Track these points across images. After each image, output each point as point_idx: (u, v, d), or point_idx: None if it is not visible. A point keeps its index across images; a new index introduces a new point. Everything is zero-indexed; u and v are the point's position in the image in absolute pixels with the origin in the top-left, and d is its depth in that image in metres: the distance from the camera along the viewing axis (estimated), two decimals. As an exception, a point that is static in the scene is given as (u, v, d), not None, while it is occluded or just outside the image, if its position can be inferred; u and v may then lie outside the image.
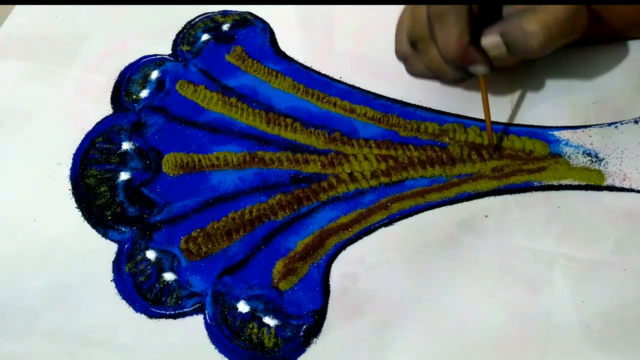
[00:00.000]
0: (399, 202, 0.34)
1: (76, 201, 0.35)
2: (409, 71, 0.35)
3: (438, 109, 0.38)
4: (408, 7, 0.32)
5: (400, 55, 0.34)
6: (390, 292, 0.31)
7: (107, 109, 0.40)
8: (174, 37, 0.44)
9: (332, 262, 0.32)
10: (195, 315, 0.31)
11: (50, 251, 0.33)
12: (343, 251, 0.33)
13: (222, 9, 0.45)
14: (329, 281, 0.32)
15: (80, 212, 0.35)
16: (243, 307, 0.31)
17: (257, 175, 0.36)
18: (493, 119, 0.37)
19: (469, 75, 0.32)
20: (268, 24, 0.44)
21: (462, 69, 0.31)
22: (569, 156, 0.35)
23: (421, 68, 0.33)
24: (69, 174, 0.37)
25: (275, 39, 0.43)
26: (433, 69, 0.32)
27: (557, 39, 0.29)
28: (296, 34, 0.43)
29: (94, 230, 0.34)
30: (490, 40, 0.30)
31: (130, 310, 0.31)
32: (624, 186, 0.33)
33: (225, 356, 0.30)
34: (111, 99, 0.40)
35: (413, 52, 0.32)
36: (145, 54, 0.42)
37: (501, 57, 0.31)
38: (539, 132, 0.36)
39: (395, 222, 0.33)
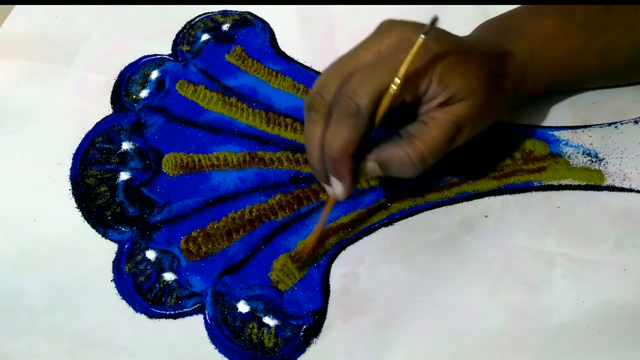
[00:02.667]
0: (399, 202, 0.34)
1: (76, 201, 0.35)
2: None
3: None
4: (335, 66, 0.29)
5: (304, 106, 0.30)
6: (390, 292, 0.31)
7: (107, 109, 0.40)
8: (174, 37, 0.44)
9: (332, 262, 0.32)
10: (195, 315, 0.31)
11: (50, 251, 0.33)
12: (343, 251, 0.33)
13: (222, 9, 0.45)
14: (329, 281, 0.32)
15: (80, 212, 0.35)
16: (243, 307, 0.31)
17: (257, 175, 0.36)
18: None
19: (327, 181, 0.29)
20: (268, 24, 0.44)
21: (324, 172, 0.29)
22: (569, 156, 0.35)
23: (305, 131, 0.30)
24: (69, 174, 0.37)
25: (275, 39, 0.43)
26: (308, 144, 0.29)
27: (434, 161, 0.28)
28: (296, 34, 0.43)
29: (94, 230, 0.34)
30: (369, 166, 0.28)
31: (130, 310, 0.31)
32: (624, 186, 0.33)
33: (225, 356, 0.30)
34: (111, 99, 0.40)
35: (307, 113, 0.29)
36: (145, 54, 0.42)
37: (377, 175, 0.29)
38: (539, 132, 0.36)
39: (395, 222, 0.33)
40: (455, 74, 0.27)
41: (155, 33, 0.44)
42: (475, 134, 0.30)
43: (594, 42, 0.33)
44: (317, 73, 0.40)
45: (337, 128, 0.27)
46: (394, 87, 0.26)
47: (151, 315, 0.31)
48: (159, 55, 0.42)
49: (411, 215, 0.34)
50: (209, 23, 0.44)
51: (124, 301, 0.32)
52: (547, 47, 0.32)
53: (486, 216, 0.33)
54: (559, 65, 0.33)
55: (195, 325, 0.31)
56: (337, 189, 0.29)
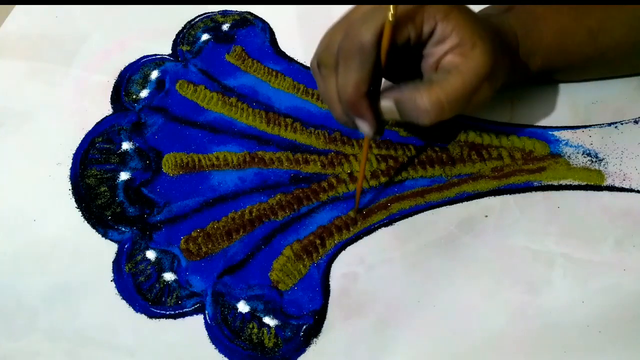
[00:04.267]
0: (399, 202, 0.34)
1: (76, 201, 0.35)
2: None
3: (438, 109, 0.38)
4: (335, 24, 0.30)
5: (312, 70, 0.32)
6: (390, 292, 0.31)
7: (107, 109, 0.40)
8: (174, 37, 0.44)
9: (332, 262, 0.32)
10: (195, 315, 0.31)
11: (50, 251, 0.33)
12: (343, 251, 0.33)
13: (222, 9, 0.45)
14: (329, 281, 0.32)
15: (80, 212, 0.35)
16: (243, 307, 0.31)
17: (257, 175, 0.36)
18: (494, 118, 0.37)
19: (356, 127, 0.30)
20: (268, 24, 0.44)
21: (351, 119, 0.29)
22: (569, 156, 0.35)
23: (321, 93, 0.31)
24: (69, 174, 0.37)
25: (275, 39, 0.43)
26: (326, 100, 0.30)
27: (450, 114, 0.28)
28: (296, 34, 0.43)
29: (94, 230, 0.34)
30: (385, 104, 0.29)
31: (130, 310, 0.31)
32: (624, 186, 0.33)
33: (225, 356, 0.30)
34: (111, 99, 0.40)
35: (319, 74, 0.31)
36: (145, 54, 0.42)
37: (395, 119, 0.29)
38: (539, 132, 0.36)
39: (395, 222, 0.33)
40: (459, 18, 0.28)
41: (155, 33, 0.44)
42: (490, 94, 0.29)
43: (584, 21, 0.33)
44: (317, 73, 0.40)
45: (345, 71, 0.27)
46: (390, 13, 0.25)
47: (151, 315, 0.31)
48: (159, 55, 0.42)
49: (411, 215, 0.34)
50: (209, 23, 0.44)
51: (124, 301, 0.32)
52: (538, 25, 0.33)
53: (486, 216, 0.33)
54: (551, 42, 0.33)
55: (195, 325, 0.31)
56: (365, 129, 0.29)
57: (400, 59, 0.29)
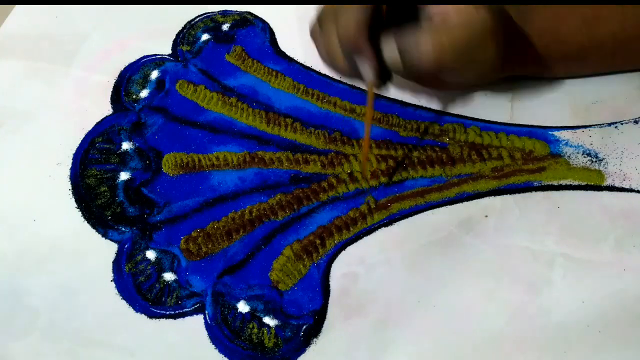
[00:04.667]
0: (399, 202, 0.34)
1: (76, 201, 0.35)
2: (319, 53, 0.33)
3: (438, 109, 0.38)
4: None
5: (311, 34, 0.33)
6: (390, 292, 0.31)
7: (107, 109, 0.40)
8: (174, 37, 0.44)
9: (332, 262, 0.32)
10: (195, 315, 0.31)
11: (50, 251, 0.33)
12: (343, 251, 0.33)
13: (222, 9, 0.45)
14: (329, 281, 0.32)
15: (80, 212, 0.35)
16: (243, 307, 0.31)
17: (257, 175, 0.36)
18: (494, 118, 0.37)
19: (359, 75, 0.30)
20: (268, 24, 0.44)
21: (353, 64, 0.29)
22: (569, 156, 0.35)
23: (322, 51, 0.32)
24: (69, 174, 0.37)
25: (275, 39, 0.43)
26: (329, 53, 0.30)
27: (451, 64, 0.28)
28: (296, 34, 0.43)
29: (94, 230, 0.34)
30: (386, 46, 0.29)
31: (130, 310, 0.31)
32: (624, 186, 0.33)
33: (225, 356, 0.30)
34: (111, 99, 0.40)
35: (319, 32, 0.31)
36: (145, 54, 0.42)
37: (396, 66, 0.29)
38: (539, 132, 0.36)
39: (395, 222, 0.33)
40: None
41: (155, 33, 0.44)
42: (490, 62, 0.30)
43: (579, 8, 0.33)
44: (317, 73, 0.40)
45: (344, 14, 0.28)
46: None
47: (151, 315, 0.31)
48: (159, 55, 0.42)
49: (411, 215, 0.34)
50: (209, 23, 0.44)
51: (124, 301, 0.32)
52: (533, 11, 0.33)
53: (486, 216, 0.33)
54: (545, 27, 0.33)
55: (195, 325, 0.31)
56: (367, 71, 0.29)
57: (401, 7, 0.29)
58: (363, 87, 0.33)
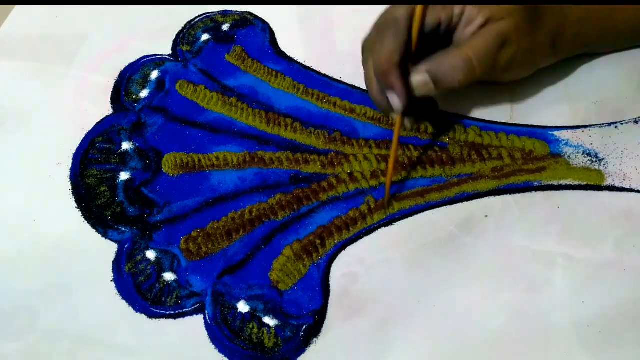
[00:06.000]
0: (399, 202, 0.34)
1: (76, 201, 0.35)
2: None
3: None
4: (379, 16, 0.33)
5: (362, 60, 0.34)
6: (390, 292, 0.31)
7: (107, 109, 0.40)
8: (174, 37, 0.44)
9: (332, 262, 0.32)
10: (195, 315, 0.31)
11: (50, 251, 0.33)
12: (343, 251, 0.33)
13: (222, 9, 0.45)
14: (329, 281, 0.32)
15: (80, 212, 0.35)
16: (243, 307, 0.31)
17: (257, 175, 0.36)
18: (494, 118, 0.37)
19: (390, 107, 0.32)
20: (268, 24, 0.44)
21: (384, 94, 0.31)
22: (569, 156, 0.35)
23: (364, 77, 0.33)
24: (69, 174, 0.37)
25: (275, 39, 0.43)
26: (366, 81, 0.33)
27: (480, 71, 0.31)
28: (296, 34, 0.43)
29: (94, 230, 0.34)
30: (417, 77, 0.31)
31: (130, 310, 0.31)
32: (624, 186, 0.33)
33: (225, 356, 0.30)
34: (111, 99, 0.40)
35: (364, 61, 0.33)
36: (145, 54, 0.42)
37: (428, 89, 0.31)
38: (539, 132, 0.36)
39: (395, 222, 0.33)
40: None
41: (155, 33, 0.44)
42: (521, 60, 0.32)
43: None
44: (317, 73, 0.40)
45: (380, 43, 0.30)
46: None
47: (151, 315, 0.31)
48: (159, 55, 0.42)
49: (411, 215, 0.34)
50: (209, 23, 0.44)
51: (124, 301, 0.32)
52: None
53: (486, 216, 0.33)
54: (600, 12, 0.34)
55: (195, 325, 0.31)
56: (395, 102, 0.31)
57: (431, 45, 0.31)
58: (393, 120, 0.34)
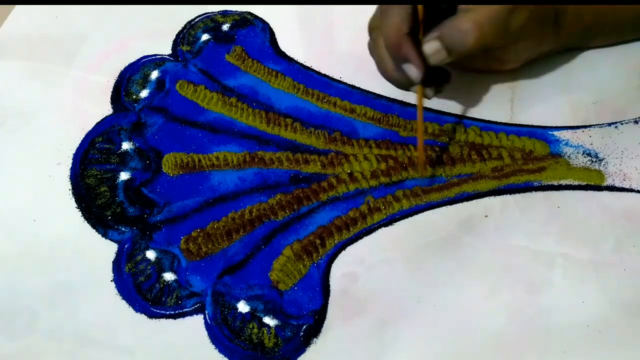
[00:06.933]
0: (399, 202, 0.34)
1: (76, 201, 0.35)
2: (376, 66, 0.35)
3: (438, 109, 0.38)
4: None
5: (368, 48, 0.35)
6: (390, 292, 0.31)
7: (107, 109, 0.40)
8: (174, 37, 0.44)
9: (332, 262, 0.32)
10: (195, 315, 0.31)
11: (50, 251, 0.33)
12: (343, 251, 0.33)
13: (222, 9, 0.45)
14: (329, 281, 0.32)
15: (80, 212, 0.35)
16: (243, 307, 0.31)
17: (257, 175, 0.36)
18: (493, 118, 0.37)
19: (408, 80, 0.32)
20: (268, 24, 0.44)
21: (400, 68, 0.31)
22: (569, 156, 0.35)
23: (376, 64, 0.34)
24: (69, 174, 0.37)
25: (275, 39, 0.43)
26: (378, 61, 0.33)
27: (491, 35, 0.30)
28: (296, 34, 0.43)
29: (94, 230, 0.34)
30: (429, 44, 0.31)
31: (130, 310, 0.31)
32: (624, 186, 0.33)
33: (225, 356, 0.30)
34: (111, 99, 0.40)
35: (371, 42, 0.33)
36: (145, 54, 0.42)
37: (441, 57, 0.31)
38: (539, 132, 0.36)
39: (395, 222, 0.33)
40: None
41: (155, 33, 0.44)
42: (529, 31, 0.32)
43: None
44: (317, 73, 0.40)
45: (387, 18, 0.30)
46: None
47: (151, 315, 0.31)
48: (159, 55, 0.42)
49: (411, 215, 0.34)
50: (209, 23, 0.44)
51: (124, 301, 0.32)
52: None
53: (486, 216, 0.33)
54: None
55: (195, 325, 0.31)
56: (413, 72, 0.31)
57: (439, 14, 0.31)
58: (414, 98, 0.34)
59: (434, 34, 0.31)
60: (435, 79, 0.33)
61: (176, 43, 0.43)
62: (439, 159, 0.35)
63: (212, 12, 0.45)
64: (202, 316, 0.31)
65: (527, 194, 0.34)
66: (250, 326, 0.30)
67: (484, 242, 0.32)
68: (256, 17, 0.44)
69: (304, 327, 0.30)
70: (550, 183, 0.34)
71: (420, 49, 0.31)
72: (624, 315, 0.29)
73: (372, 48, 0.34)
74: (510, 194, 0.34)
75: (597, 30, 0.37)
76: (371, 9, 0.34)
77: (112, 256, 0.33)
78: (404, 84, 0.33)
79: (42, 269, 0.33)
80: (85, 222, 0.35)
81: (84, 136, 0.38)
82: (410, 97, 0.38)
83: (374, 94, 0.39)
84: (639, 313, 0.29)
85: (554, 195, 0.33)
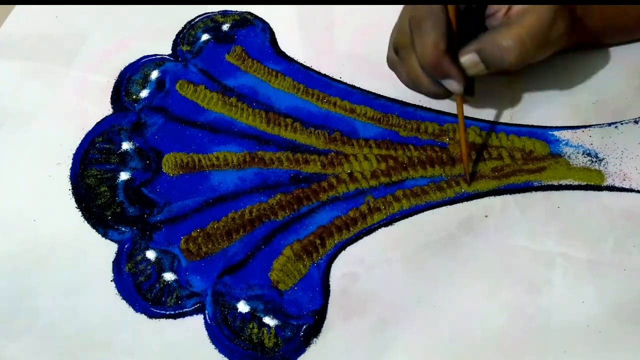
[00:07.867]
0: (399, 202, 0.34)
1: (76, 201, 0.35)
2: (400, 80, 0.35)
3: (438, 109, 0.38)
4: (400, 15, 0.32)
5: (389, 63, 0.34)
6: (390, 292, 0.31)
7: (107, 109, 0.40)
8: (174, 37, 0.44)
9: (332, 262, 0.32)
10: (195, 315, 0.31)
11: (50, 251, 0.33)
12: (343, 251, 0.33)
13: (222, 9, 0.45)
14: (329, 281, 0.32)
15: (80, 212, 0.35)
16: (243, 307, 0.31)
17: (257, 175, 0.36)
18: (492, 118, 0.37)
19: (447, 93, 0.31)
20: (268, 24, 0.44)
21: (438, 83, 0.31)
22: (569, 156, 0.35)
23: (405, 77, 0.33)
24: (69, 174, 0.37)
25: (275, 39, 0.43)
26: (412, 78, 0.32)
27: (533, 51, 0.30)
28: (296, 34, 0.43)
29: (94, 230, 0.34)
30: (467, 58, 0.30)
31: (130, 310, 0.31)
32: (624, 186, 0.33)
33: (225, 356, 0.30)
34: (111, 99, 0.40)
35: (398, 60, 0.32)
36: (145, 54, 0.42)
37: (479, 71, 0.31)
38: (539, 132, 0.36)
39: (395, 222, 0.33)
40: None
41: (155, 33, 0.44)
42: (564, 30, 0.30)
43: None
44: (317, 73, 0.40)
45: (421, 36, 0.29)
46: None
47: (151, 315, 0.31)
48: (159, 55, 0.42)
49: (411, 215, 0.34)
50: (209, 23, 0.44)
51: (124, 301, 0.32)
52: None
53: (486, 216, 0.33)
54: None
55: (195, 325, 0.31)
56: (455, 86, 0.30)
57: (467, 23, 0.31)
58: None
59: (472, 46, 0.30)
60: (469, 84, 0.32)
61: (176, 43, 0.43)
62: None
63: (212, 12, 0.45)
64: (202, 316, 0.31)
65: (527, 194, 0.34)
66: (250, 326, 0.30)
67: (484, 242, 0.32)
68: (256, 17, 0.44)
69: (304, 327, 0.30)
70: (550, 183, 0.34)
71: (458, 61, 0.30)
72: (624, 315, 0.29)
73: (399, 65, 0.33)
74: (510, 194, 0.34)
75: (612, 31, 0.36)
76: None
77: (112, 256, 0.33)
78: (442, 96, 0.32)
79: (42, 269, 0.33)
80: (85, 222, 0.35)
81: (84, 136, 0.38)
82: (410, 97, 0.38)
83: (374, 94, 0.39)
84: (639, 313, 0.29)
85: (554, 195, 0.33)
